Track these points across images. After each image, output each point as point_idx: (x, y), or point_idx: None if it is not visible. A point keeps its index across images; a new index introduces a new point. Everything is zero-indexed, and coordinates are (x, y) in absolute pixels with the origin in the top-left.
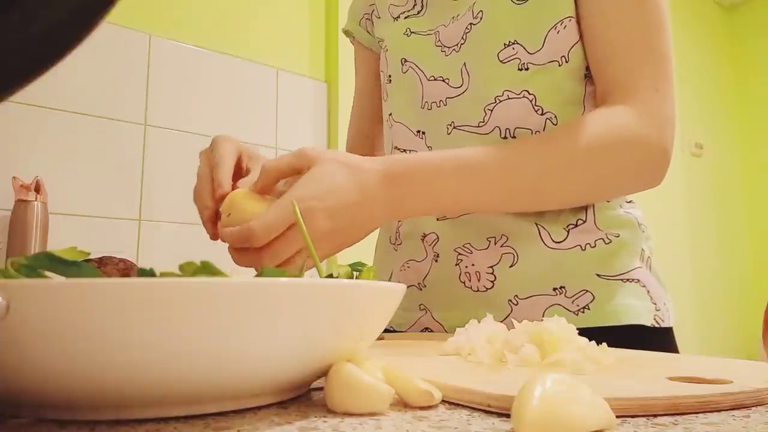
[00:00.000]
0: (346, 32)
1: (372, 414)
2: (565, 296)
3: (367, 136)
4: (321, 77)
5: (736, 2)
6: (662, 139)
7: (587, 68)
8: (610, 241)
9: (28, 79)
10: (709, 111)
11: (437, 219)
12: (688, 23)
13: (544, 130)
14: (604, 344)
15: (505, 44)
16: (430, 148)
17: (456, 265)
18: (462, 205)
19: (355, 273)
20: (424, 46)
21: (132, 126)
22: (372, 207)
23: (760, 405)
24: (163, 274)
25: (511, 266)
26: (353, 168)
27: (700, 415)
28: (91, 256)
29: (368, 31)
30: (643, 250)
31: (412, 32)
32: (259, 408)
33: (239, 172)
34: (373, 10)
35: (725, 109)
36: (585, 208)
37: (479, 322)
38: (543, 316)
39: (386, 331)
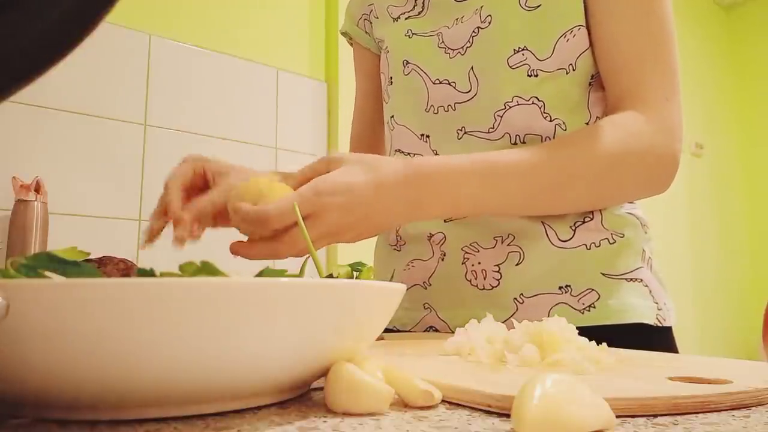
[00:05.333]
0: (344, 34)
1: (372, 414)
2: (571, 295)
3: (370, 138)
4: (321, 77)
5: (736, 2)
6: (672, 147)
7: (592, 76)
8: (615, 241)
9: (28, 79)
10: (709, 111)
11: (444, 221)
12: (688, 23)
13: (554, 136)
14: (604, 344)
15: (514, 50)
16: (435, 151)
17: (462, 263)
18: (481, 209)
19: (355, 273)
20: (426, 47)
21: (132, 126)
22: (389, 206)
23: (760, 405)
24: (163, 274)
25: (517, 264)
26: (375, 168)
27: (700, 415)
28: (91, 256)
29: (367, 32)
30: (644, 250)
31: (413, 33)
32: (259, 408)
33: (204, 188)
34: (372, 11)
35: (725, 109)
36: None
37: (479, 322)
38: (549, 315)
39: (390, 330)
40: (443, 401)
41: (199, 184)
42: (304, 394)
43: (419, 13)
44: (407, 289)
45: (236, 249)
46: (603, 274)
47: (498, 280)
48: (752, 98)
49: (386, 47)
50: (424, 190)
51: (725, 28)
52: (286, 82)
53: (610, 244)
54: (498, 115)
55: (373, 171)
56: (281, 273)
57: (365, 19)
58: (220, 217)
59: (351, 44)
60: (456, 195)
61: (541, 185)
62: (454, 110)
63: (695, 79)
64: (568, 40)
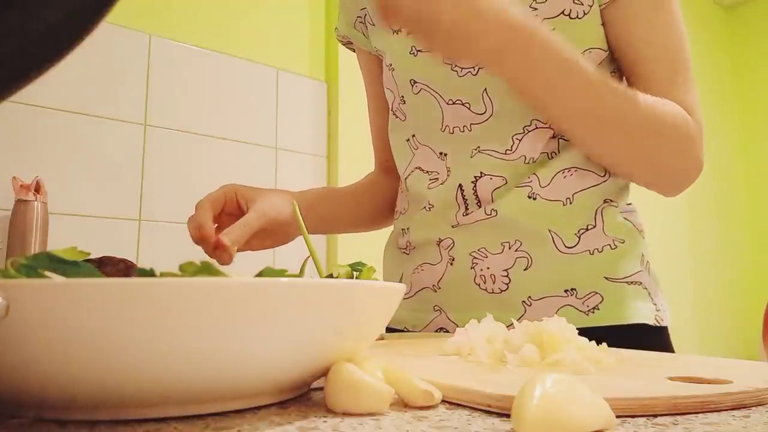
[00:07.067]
0: (342, 36)
1: (372, 414)
2: (576, 297)
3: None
4: (321, 77)
5: (736, 2)
6: (701, 150)
7: None
8: (616, 247)
9: (28, 79)
10: (710, 111)
11: (452, 226)
12: (688, 23)
13: (558, 148)
14: (604, 344)
15: None
16: (449, 169)
17: (471, 268)
18: (543, 94)
19: (355, 273)
20: (432, 64)
21: (132, 126)
22: (486, 32)
23: (760, 405)
24: (163, 274)
25: (525, 269)
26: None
27: (700, 415)
28: (91, 256)
29: (364, 34)
30: (643, 255)
31: (418, 51)
32: (259, 408)
33: (239, 213)
34: (366, 15)
35: (725, 108)
36: (594, 213)
37: (479, 321)
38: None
39: (400, 332)
40: (443, 401)
41: (230, 208)
42: (304, 394)
43: None
44: (417, 292)
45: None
46: (606, 278)
47: (507, 284)
48: (752, 98)
49: (390, 64)
50: (514, 43)
51: (725, 28)
52: (286, 82)
53: (612, 249)
54: (517, 138)
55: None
56: (281, 273)
57: (360, 22)
58: (255, 239)
59: (352, 49)
60: (534, 67)
61: (602, 103)
62: (470, 131)
63: (695, 78)
64: None
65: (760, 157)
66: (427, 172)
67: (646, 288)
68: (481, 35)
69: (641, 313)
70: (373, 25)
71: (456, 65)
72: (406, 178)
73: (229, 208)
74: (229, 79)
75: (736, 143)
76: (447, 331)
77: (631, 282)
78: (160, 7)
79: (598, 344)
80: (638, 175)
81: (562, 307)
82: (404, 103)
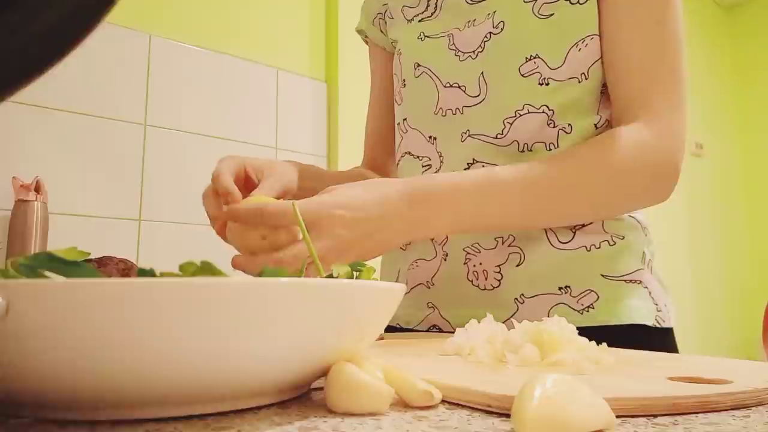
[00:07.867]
0: (360, 31)
1: (372, 414)
2: (570, 295)
3: (386, 137)
4: (321, 77)
5: (736, 2)
6: (675, 156)
7: (604, 84)
8: (615, 243)
9: (28, 79)
10: (709, 111)
11: None
12: (688, 23)
13: (557, 141)
14: (604, 344)
15: (526, 58)
16: (440, 153)
17: (464, 263)
18: (482, 225)
19: (355, 273)
20: (437, 49)
21: (132, 126)
22: (392, 224)
23: (760, 405)
24: (163, 274)
25: (517, 265)
26: (377, 186)
27: (700, 415)
28: (91, 256)
29: (382, 31)
30: (644, 253)
31: (425, 36)
32: (259, 408)
33: (251, 185)
34: (386, 10)
35: (725, 109)
36: None
37: (480, 321)
38: (548, 315)
39: (394, 328)
40: (443, 401)
41: (239, 182)
42: (304, 394)
43: (432, 15)
44: (412, 288)
45: (238, 262)
46: (602, 276)
47: (499, 280)
48: (752, 98)
49: (399, 49)
50: (426, 208)
51: (725, 28)
52: (286, 82)
53: (610, 246)
54: (508, 122)
55: (375, 189)
56: (281, 273)
57: (380, 18)
58: None
59: (366, 42)
60: (457, 212)
61: (539, 198)
62: (462, 113)
63: (695, 79)
64: (580, 49)
65: (760, 158)
66: (418, 157)
67: (646, 287)
68: (396, 239)
69: (640, 314)
70: (392, 18)
71: (459, 50)
72: (398, 166)
73: (238, 182)
74: (229, 79)
75: (736, 143)
76: (440, 329)
77: (630, 280)
78: (160, 7)
79: (598, 344)
80: (619, 214)
81: (556, 305)
82: (404, 86)
